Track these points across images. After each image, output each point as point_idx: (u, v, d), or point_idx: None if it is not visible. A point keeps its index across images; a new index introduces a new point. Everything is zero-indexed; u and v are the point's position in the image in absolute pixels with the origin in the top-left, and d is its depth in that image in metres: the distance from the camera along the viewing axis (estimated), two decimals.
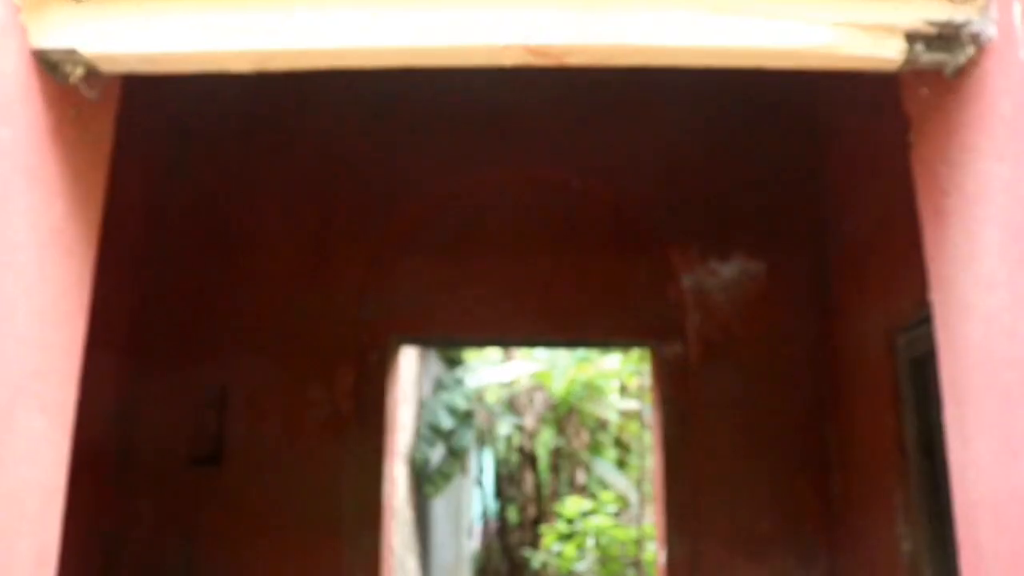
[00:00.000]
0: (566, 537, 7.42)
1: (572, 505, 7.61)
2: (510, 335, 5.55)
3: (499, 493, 11.30)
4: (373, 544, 5.13)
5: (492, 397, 10.55)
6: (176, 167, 5.59)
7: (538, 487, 10.44)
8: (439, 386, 10.69)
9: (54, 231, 1.96)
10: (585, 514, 7.27)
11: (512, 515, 10.93)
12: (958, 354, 2.04)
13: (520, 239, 5.54)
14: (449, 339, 5.77)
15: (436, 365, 11.42)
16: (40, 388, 1.88)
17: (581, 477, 10.03)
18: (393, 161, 5.53)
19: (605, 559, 7.13)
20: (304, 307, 5.37)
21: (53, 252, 1.96)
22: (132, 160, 5.26)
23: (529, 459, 10.37)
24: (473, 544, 13.12)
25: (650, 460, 7.27)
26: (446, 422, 9.62)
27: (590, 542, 7.14)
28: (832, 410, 5.08)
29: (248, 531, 5.17)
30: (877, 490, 4.46)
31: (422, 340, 5.84)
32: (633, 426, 10.61)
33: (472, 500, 14.10)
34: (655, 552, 5.70)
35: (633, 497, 8.53)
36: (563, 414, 10.35)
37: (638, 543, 6.29)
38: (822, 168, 5.38)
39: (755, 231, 5.38)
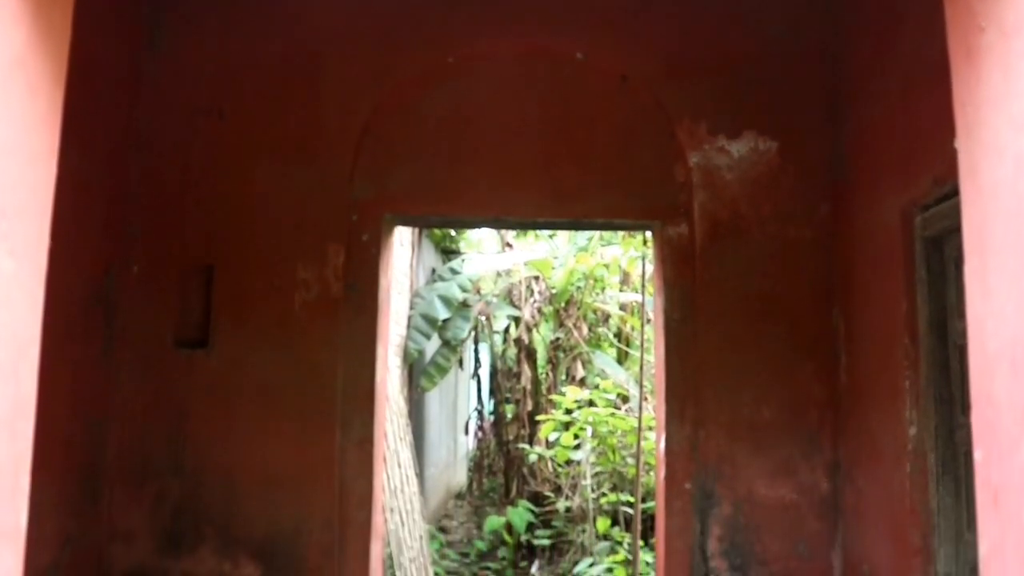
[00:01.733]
0: (564, 427, 7.35)
1: (570, 394, 7.52)
2: (508, 215, 5.33)
3: (496, 387, 11.28)
4: (366, 429, 5.03)
5: (489, 288, 10.41)
6: (157, 40, 5.29)
7: (536, 381, 10.38)
8: (434, 277, 10.54)
9: (15, 63, 1.80)
10: (583, 404, 7.18)
11: (508, 410, 10.91)
12: (984, 200, 1.98)
13: (520, 115, 5.28)
14: (444, 218, 5.56)
15: (431, 256, 11.25)
16: (7, 228, 1.69)
17: (580, 371, 9.96)
18: (386, 30, 5.23)
19: (603, 449, 7.07)
20: (293, 184, 5.15)
21: (15, 86, 1.80)
22: (110, 33, 5.00)
23: (527, 352, 10.28)
24: (469, 440, 13.20)
25: (651, 355, 7.14)
26: (441, 312, 9.48)
27: (588, 432, 7.06)
28: (841, 295, 4.92)
29: (238, 415, 5.06)
30: (885, 376, 4.34)
31: (416, 219, 5.63)
32: (634, 320, 10.51)
33: (468, 396, 14.15)
34: (654, 442, 5.60)
35: (633, 391, 8.45)
36: (562, 306, 10.22)
37: (637, 433, 6.19)
38: (839, 43, 5.10)
39: (767, 108, 5.12)
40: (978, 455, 1.83)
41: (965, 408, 3.89)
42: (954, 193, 3.68)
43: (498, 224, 5.78)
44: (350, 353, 5.04)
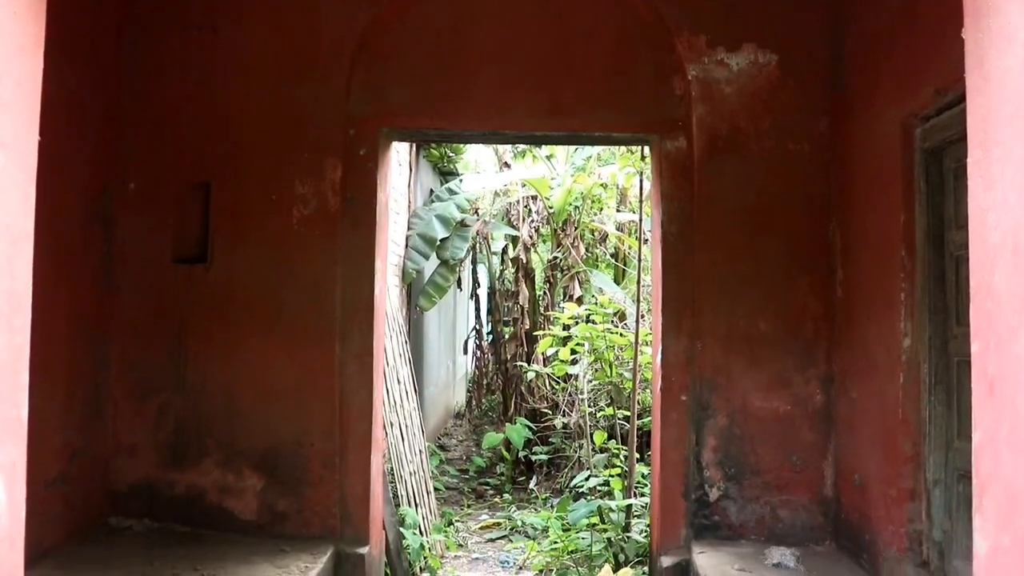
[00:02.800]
0: (561, 342, 7.40)
1: (568, 310, 7.55)
2: (505, 129, 5.29)
3: (494, 307, 11.34)
4: (365, 342, 5.07)
5: (487, 207, 10.38)
6: None
7: (533, 300, 10.42)
8: (432, 198, 10.50)
9: None
10: (581, 320, 7.22)
11: (506, 329, 10.98)
12: (991, 89, 1.95)
13: (517, 28, 5.21)
14: (441, 132, 5.51)
15: (429, 177, 11.19)
16: None
17: (577, 290, 9.99)
18: None
19: (600, 364, 7.14)
20: (289, 99, 5.10)
21: None
22: None
23: (524, 272, 10.30)
24: (468, 360, 13.31)
25: (648, 275, 7.16)
26: (439, 232, 9.47)
27: (585, 347, 7.12)
28: (838, 209, 4.92)
29: (238, 330, 5.10)
30: (880, 288, 4.37)
31: (413, 133, 5.59)
32: (631, 240, 10.51)
33: (467, 317, 14.23)
34: (651, 356, 5.66)
35: (630, 309, 8.48)
36: (560, 226, 10.20)
37: (634, 347, 6.24)
38: None
39: (767, 20, 5.05)
40: (975, 347, 1.85)
41: (959, 319, 3.93)
42: (956, 103, 3.67)
43: (495, 138, 5.73)
44: (348, 267, 5.05)
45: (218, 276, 5.12)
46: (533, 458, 9.64)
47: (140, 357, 5.14)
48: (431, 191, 10.90)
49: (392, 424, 6.80)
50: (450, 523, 8.17)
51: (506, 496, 9.31)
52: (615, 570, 5.29)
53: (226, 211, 5.14)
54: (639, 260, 6.86)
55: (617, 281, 10.56)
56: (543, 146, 10.33)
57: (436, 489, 8.73)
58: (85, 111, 4.78)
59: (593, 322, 7.13)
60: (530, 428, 9.47)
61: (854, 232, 4.75)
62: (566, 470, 9.08)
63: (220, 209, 5.14)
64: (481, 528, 8.26)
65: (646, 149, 6.01)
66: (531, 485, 9.57)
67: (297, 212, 5.08)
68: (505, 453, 9.99)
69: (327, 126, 5.09)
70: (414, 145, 10.06)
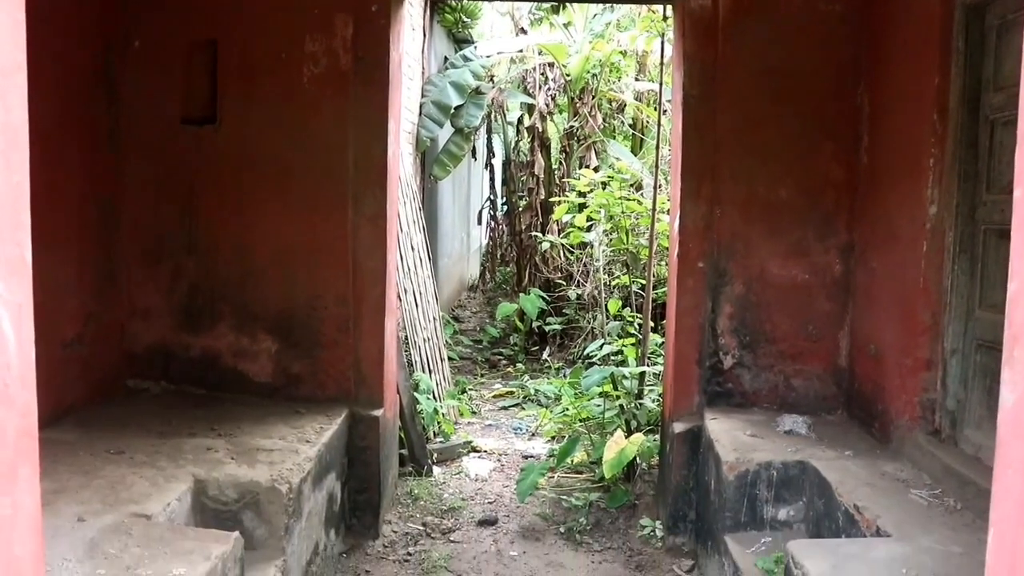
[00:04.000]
0: (578, 209, 7.29)
1: (585, 177, 7.41)
2: None
3: (509, 178, 11.19)
4: (378, 205, 4.99)
5: (502, 75, 10.11)
6: None
7: (549, 170, 10.25)
8: (446, 65, 10.23)
9: None
10: (597, 186, 7.09)
11: (521, 200, 10.86)
12: None
13: None
14: None
15: (443, 44, 10.88)
16: None
17: (594, 160, 9.81)
18: None
19: (616, 231, 7.05)
20: None
21: None
22: None
23: (540, 141, 10.10)
24: (482, 231, 13.24)
25: (667, 146, 6.99)
26: (453, 100, 9.25)
27: (601, 214, 7.01)
28: (868, 72, 4.73)
29: (249, 192, 5.03)
30: (908, 155, 4.23)
31: None
32: (649, 110, 10.26)
33: (481, 189, 14.08)
34: (668, 223, 5.57)
35: (648, 180, 8.34)
36: (577, 94, 9.94)
37: (651, 214, 6.14)
38: None
39: None
40: (1018, 192, 1.72)
41: (990, 185, 3.81)
42: None
43: None
44: (361, 127, 4.93)
45: (227, 137, 5.01)
46: (547, 328, 9.69)
47: (151, 221, 5.09)
48: (445, 59, 10.61)
49: (406, 290, 6.79)
50: (463, 391, 8.27)
51: (519, 366, 9.40)
52: (627, 436, 5.34)
53: (234, 70, 4.99)
54: (658, 128, 6.68)
55: (635, 151, 10.38)
56: (562, 6, 9.96)
57: (450, 359, 8.81)
58: None
59: (610, 189, 7.00)
60: (544, 299, 9.48)
61: (884, 96, 4.57)
62: (579, 340, 9.13)
63: (228, 68, 5.00)
64: (494, 396, 8.37)
65: (669, 9, 5.75)
66: (544, 355, 9.64)
67: (307, 71, 4.93)
68: (519, 323, 10.03)
69: None
70: (428, 9, 9.74)
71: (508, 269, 11.96)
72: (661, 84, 6.64)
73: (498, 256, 11.92)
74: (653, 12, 7.60)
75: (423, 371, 6.92)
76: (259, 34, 4.95)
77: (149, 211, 5.08)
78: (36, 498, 1.61)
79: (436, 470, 6.13)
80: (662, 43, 6.47)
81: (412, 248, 7.08)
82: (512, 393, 8.37)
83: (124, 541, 3.07)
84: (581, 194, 7.42)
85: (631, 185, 8.69)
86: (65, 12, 4.40)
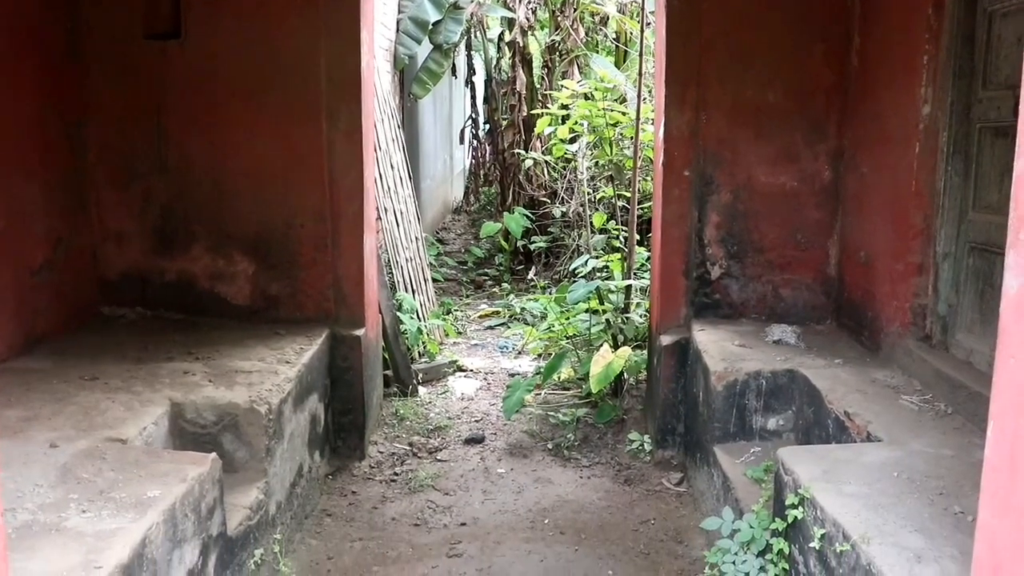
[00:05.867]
0: (560, 122, 7.10)
1: (567, 88, 7.20)
2: None
3: (490, 95, 10.92)
4: (353, 119, 4.82)
5: None
6: None
7: (531, 87, 10.01)
8: None
9: None
10: (579, 97, 6.89)
11: (503, 118, 10.62)
12: None
13: None
14: None
15: None
16: None
17: (577, 76, 9.57)
18: None
19: (599, 141, 6.87)
20: None
21: None
22: None
23: (521, 57, 9.83)
24: (464, 151, 12.99)
25: (651, 60, 6.78)
26: (431, 15, 8.94)
27: (584, 126, 6.83)
28: None
29: (220, 109, 4.85)
30: (901, 53, 4.08)
31: None
32: (633, 23, 9.98)
33: (463, 109, 13.78)
34: (652, 133, 5.41)
35: (631, 94, 8.13)
36: (558, 7, 9.64)
37: (635, 124, 5.98)
38: None
39: None
40: None
41: (987, 81, 3.67)
42: None
43: None
44: (332, 39, 4.72)
45: (194, 52, 4.81)
46: (532, 247, 9.56)
47: (119, 141, 4.91)
48: None
49: (386, 209, 6.64)
50: (449, 312, 8.18)
51: (505, 286, 9.30)
52: (614, 351, 5.27)
53: None
54: (641, 39, 6.47)
55: (618, 65, 10.11)
56: None
57: (435, 280, 8.71)
58: None
59: (593, 100, 6.80)
60: (528, 217, 9.34)
61: None
62: (564, 258, 9.02)
63: None
64: (480, 317, 8.29)
65: None
66: (530, 275, 9.54)
67: None
68: (503, 243, 9.91)
69: None
70: None
71: (492, 189, 11.78)
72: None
73: (481, 176, 11.71)
74: None
75: (406, 291, 6.81)
76: None
77: (116, 131, 4.90)
78: None
79: (422, 390, 6.07)
80: None
81: (392, 167, 6.90)
82: (498, 313, 8.29)
83: (98, 466, 2.99)
84: (564, 107, 7.22)
85: (616, 99, 8.49)
86: None
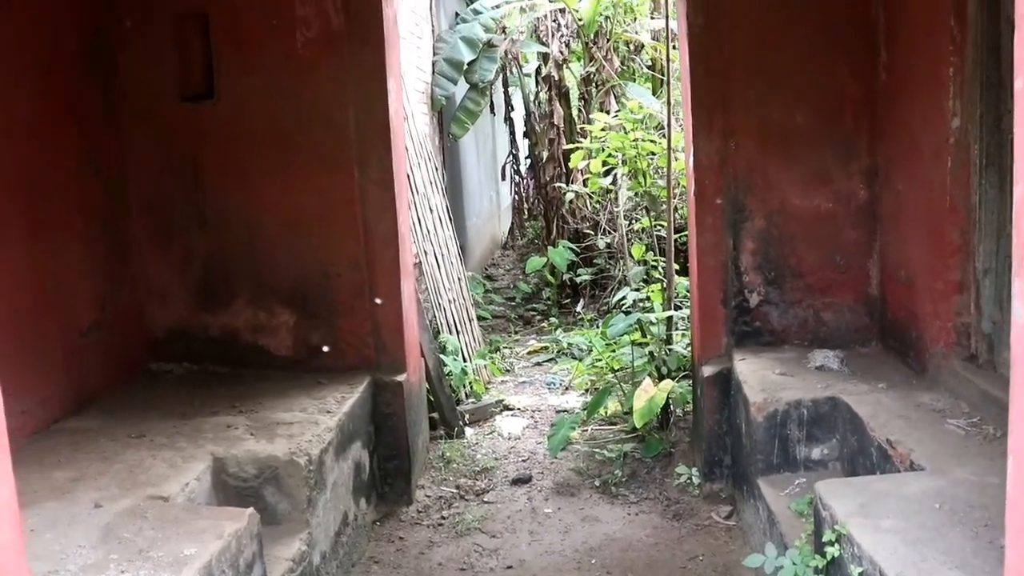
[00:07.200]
0: (593, 155, 7.09)
1: (599, 121, 7.19)
2: None
3: (530, 130, 10.96)
4: (384, 167, 4.87)
5: (514, 23, 9.86)
6: None
7: (569, 119, 10.03)
8: (457, 21, 10.02)
9: None
10: (612, 129, 6.88)
11: (544, 152, 10.64)
12: None
13: None
14: None
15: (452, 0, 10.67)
16: None
17: (613, 105, 9.55)
18: None
19: (633, 172, 6.84)
20: None
21: None
22: None
23: (558, 90, 9.86)
24: (507, 186, 13.04)
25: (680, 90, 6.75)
26: (465, 55, 9.04)
27: (618, 158, 6.80)
28: None
29: (253, 164, 4.96)
30: (927, 66, 4.01)
31: None
32: (663, 46, 9.96)
33: (506, 144, 13.85)
34: (684, 161, 5.38)
35: (666, 120, 8.09)
36: (591, 39, 9.67)
37: (667, 153, 5.95)
38: None
39: None
40: (1019, 83, 1.54)
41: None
42: None
43: None
44: (359, 89, 4.80)
45: (226, 110, 4.93)
46: (577, 280, 9.54)
47: (159, 200, 5.05)
48: (456, 14, 10.39)
49: (426, 252, 6.69)
50: (497, 349, 8.18)
51: (553, 320, 9.28)
52: (657, 383, 5.21)
53: (227, 41, 4.89)
54: (667, 63, 6.45)
55: (655, 93, 10.09)
56: None
57: (483, 318, 8.71)
58: None
59: (625, 131, 6.79)
60: (573, 250, 9.31)
61: (899, 7, 4.33)
62: (610, 290, 8.97)
63: (220, 40, 4.90)
64: (529, 353, 8.27)
65: None
66: (577, 308, 9.50)
67: (300, 35, 4.80)
68: (550, 277, 9.90)
69: None
70: None
71: (537, 223, 11.78)
72: (667, 18, 6.41)
73: (525, 211, 11.73)
74: None
75: (450, 333, 6.83)
76: (248, 2, 4.83)
77: (156, 190, 5.03)
78: (11, 488, 1.66)
79: (468, 431, 6.06)
80: None
81: (431, 210, 6.96)
82: (546, 348, 8.26)
83: (139, 524, 3.04)
84: (597, 139, 7.22)
85: (654, 126, 8.46)
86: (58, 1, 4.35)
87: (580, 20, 9.54)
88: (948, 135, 3.81)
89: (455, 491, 5.16)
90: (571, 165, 7.89)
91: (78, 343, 4.50)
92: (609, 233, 8.97)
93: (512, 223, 12.09)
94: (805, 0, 4.56)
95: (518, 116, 11.47)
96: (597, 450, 5.52)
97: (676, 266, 6.06)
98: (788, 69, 4.60)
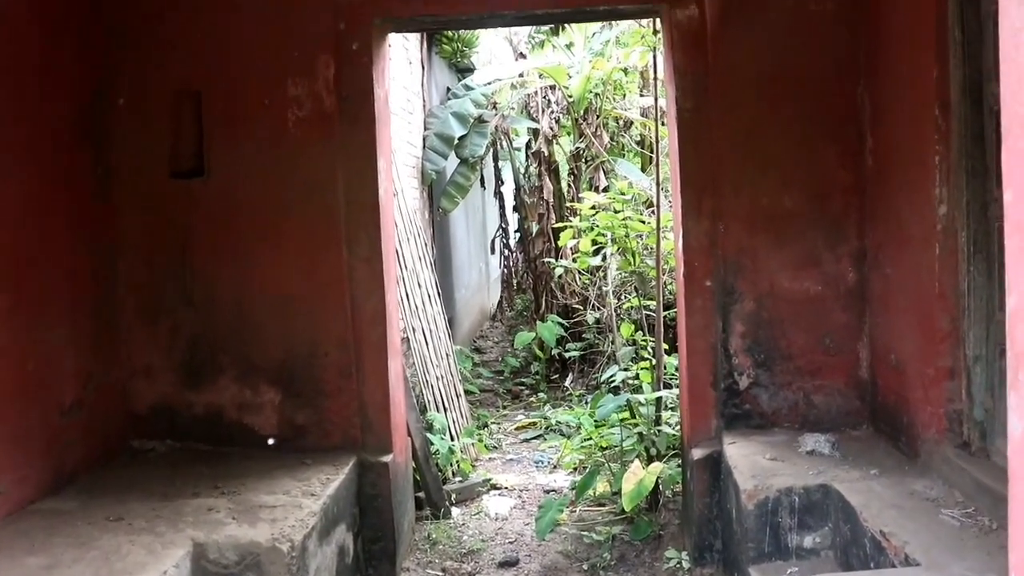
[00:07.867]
0: (581, 233, 7.13)
1: (588, 200, 7.24)
2: (505, 9, 4.92)
3: (519, 204, 11.04)
4: (373, 246, 4.88)
5: (504, 99, 9.99)
6: None
7: (558, 194, 10.11)
8: (448, 96, 10.15)
9: None
10: (601, 208, 6.92)
11: (533, 226, 10.70)
12: None
13: None
14: (436, 18, 5.08)
15: (444, 75, 10.82)
16: None
17: (603, 181, 9.65)
18: None
19: (622, 251, 6.87)
20: None
21: None
22: None
23: (547, 165, 9.96)
24: (497, 259, 13.09)
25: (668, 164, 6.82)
26: (456, 130, 9.15)
27: (607, 237, 6.84)
28: (866, 70, 4.56)
29: (242, 242, 4.94)
30: (913, 153, 4.05)
31: (408, 22, 5.17)
32: (651, 123, 10.09)
33: (496, 217, 13.94)
34: (673, 241, 5.40)
35: (656, 200, 8.16)
36: (581, 115, 9.80)
37: (656, 233, 5.98)
38: None
39: None
40: (1008, 195, 1.54)
41: (1000, 179, 3.60)
42: None
43: (494, 21, 5.35)
44: (349, 169, 4.83)
45: (217, 188, 4.93)
46: (566, 355, 9.50)
47: (147, 277, 5.01)
48: (447, 89, 10.54)
49: (415, 329, 6.66)
50: (485, 425, 8.10)
51: (541, 395, 9.22)
52: (646, 464, 5.15)
53: (219, 120, 4.92)
54: (656, 142, 6.53)
55: (644, 169, 10.20)
56: (548, 26, 9.88)
57: (471, 392, 8.64)
58: (65, 24, 4.55)
59: (615, 210, 6.83)
60: (562, 325, 9.29)
61: (884, 94, 4.40)
62: (599, 365, 8.93)
63: (212, 118, 4.93)
64: (517, 429, 8.20)
65: (658, 22, 5.62)
66: (566, 383, 9.45)
67: (292, 115, 4.84)
68: (538, 352, 9.86)
69: (317, 21, 4.82)
70: (425, 42, 9.68)
71: (527, 296, 11.79)
72: (656, 99, 6.50)
73: (514, 284, 11.75)
74: (642, 27, 7.47)
75: (438, 410, 6.77)
76: (241, 81, 4.87)
77: (145, 267, 5.01)
78: None
79: (455, 511, 5.96)
80: (654, 58, 6.33)
81: (419, 285, 6.95)
82: (535, 424, 8.19)
83: None
84: (586, 219, 7.26)
85: (643, 203, 8.52)
86: (46, 72, 4.36)
87: (570, 97, 9.68)
88: (936, 222, 3.83)
89: (441, 574, 5.05)
90: (560, 244, 7.93)
91: (59, 422, 4.42)
92: (598, 308, 8.97)
93: (501, 296, 12.10)
94: (791, 86, 4.62)
95: (508, 190, 11.56)
96: (585, 532, 5.42)
97: (665, 345, 6.04)
98: (776, 153, 4.65)
